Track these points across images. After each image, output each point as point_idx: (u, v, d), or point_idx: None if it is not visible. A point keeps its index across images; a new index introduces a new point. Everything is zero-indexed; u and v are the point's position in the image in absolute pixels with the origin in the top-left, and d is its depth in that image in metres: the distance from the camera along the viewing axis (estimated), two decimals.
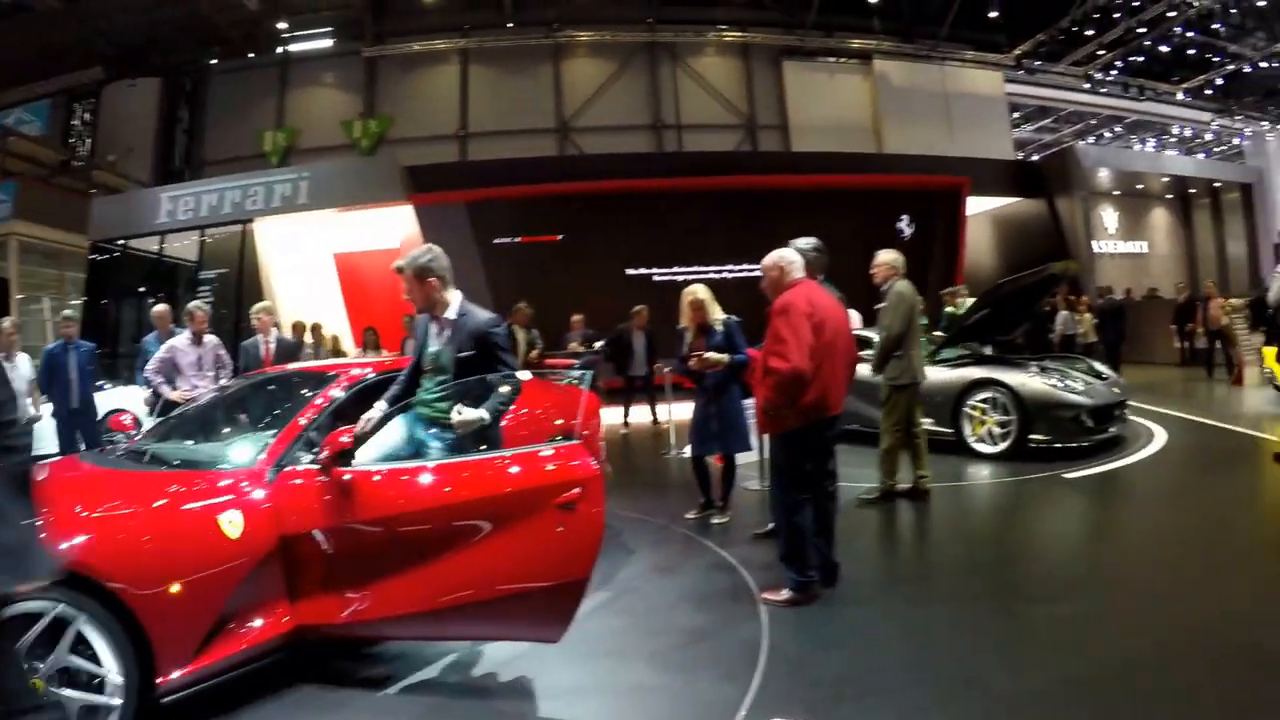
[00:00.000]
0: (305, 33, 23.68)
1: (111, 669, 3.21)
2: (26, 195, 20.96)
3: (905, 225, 22.38)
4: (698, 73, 24.26)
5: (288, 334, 11.44)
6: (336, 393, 4.65)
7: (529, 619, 3.72)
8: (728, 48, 24.69)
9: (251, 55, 23.99)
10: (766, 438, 5.64)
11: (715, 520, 6.99)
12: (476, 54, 23.13)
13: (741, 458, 7.17)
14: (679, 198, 20.18)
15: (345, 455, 3.92)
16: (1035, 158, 31.81)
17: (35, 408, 8.95)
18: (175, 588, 3.41)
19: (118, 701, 3.21)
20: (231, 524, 3.68)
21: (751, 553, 5.92)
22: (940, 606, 4.92)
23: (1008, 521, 7.30)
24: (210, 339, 8.05)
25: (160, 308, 9.33)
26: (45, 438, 9.37)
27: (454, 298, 4.60)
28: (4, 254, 20.81)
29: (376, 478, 3.92)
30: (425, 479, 3.90)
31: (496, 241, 18.93)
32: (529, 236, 19.25)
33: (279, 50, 23.79)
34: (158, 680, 3.36)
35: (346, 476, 3.85)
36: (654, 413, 13.33)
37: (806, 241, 5.84)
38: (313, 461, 3.99)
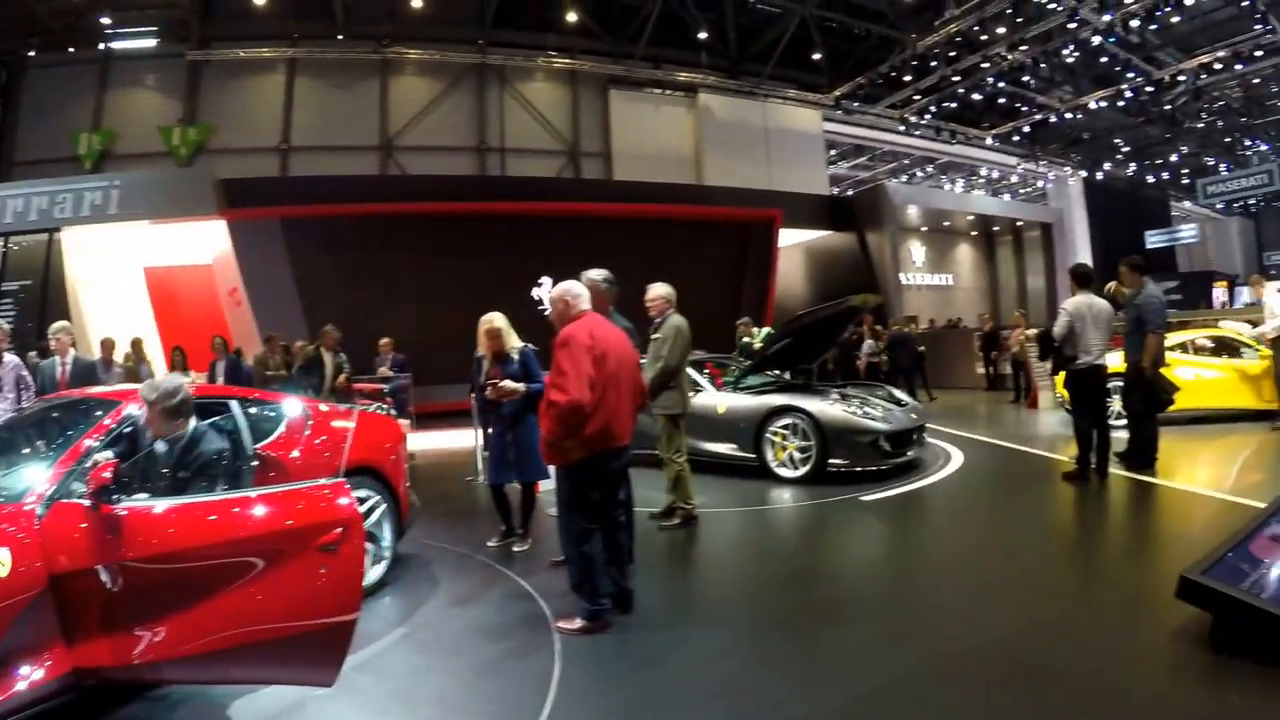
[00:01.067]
0: (129, 30, 22.97)
1: None
2: None
3: (719, 255, 23.72)
4: (525, 97, 24.72)
5: (97, 353, 11.47)
6: (117, 421, 4.52)
7: (299, 662, 3.66)
8: (556, 74, 25.20)
9: (71, 50, 23.33)
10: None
11: (516, 548, 7.03)
12: (304, 65, 22.90)
13: (544, 484, 7.03)
14: (501, 221, 20.76)
15: (109, 490, 3.69)
16: (850, 193, 33.55)
17: None
18: None
19: None
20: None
21: (550, 581, 5.95)
22: (736, 630, 5.04)
23: (806, 544, 7.48)
24: (10, 358, 7.99)
25: None
26: None
27: None
28: None
29: (147, 513, 3.73)
30: (191, 516, 3.76)
31: (311, 261, 19.00)
32: (343, 256, 19.37)
33: (101, 46, 23.17)
34: None
35: (117, 512, 3.66)
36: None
37: (597, 273, 6.13)
38: (80, 496, 3.81)
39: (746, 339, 14.43)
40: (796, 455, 9.53)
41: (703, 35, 25.46)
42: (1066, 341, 8.87)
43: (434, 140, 23.56)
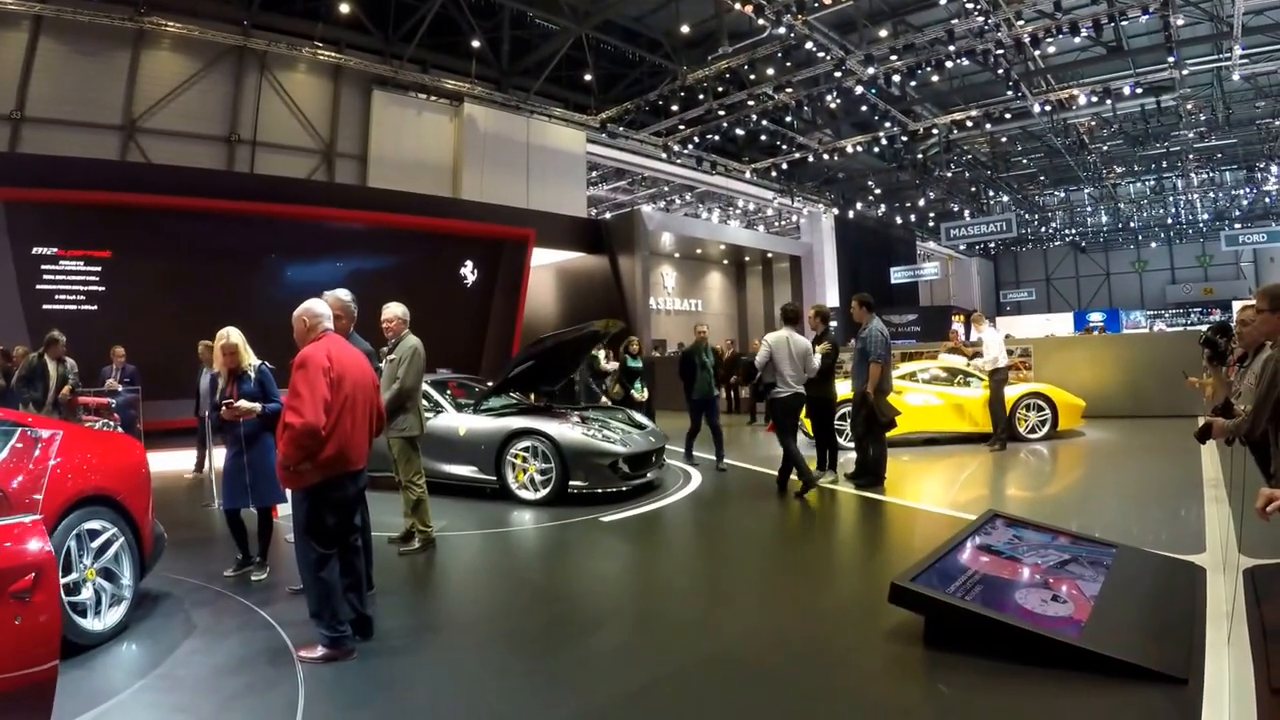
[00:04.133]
0: None
1: None
2: None
3: (469, 271, 24.83)
4: (284, 89, 24.65)
5: None
6: None
7: None
8: (320, 67, 25.20)
9: None
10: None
11: (254, 577, 6.98)
12: (50, 24, 21.48)
13: (283, 509, 7.02)
14: (247, 223, 20.69)
15: None
16: (607, 215, 35.22)
17: None
18: None
19: None
20: None
21: (290, 609, 5.98)
22: (477, 651, 5.29)
23: (546, 565, 7.79)
24: None
25: None
26: None
27: None
28: None
29: None
30: None
31: (36, 252, 18.32)
32: (70, 249, 18.69)
33: None
34: None
35: None
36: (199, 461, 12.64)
37: (343, 293, 6.26)
38: None
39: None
40: (537, 477, 10.01)
41: (476, 44, 26.11)
42: (766, 370, 10.20)
43: (183, 126, 23.06)
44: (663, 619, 5.96)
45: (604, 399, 14.65)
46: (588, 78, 28.55)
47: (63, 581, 4.96)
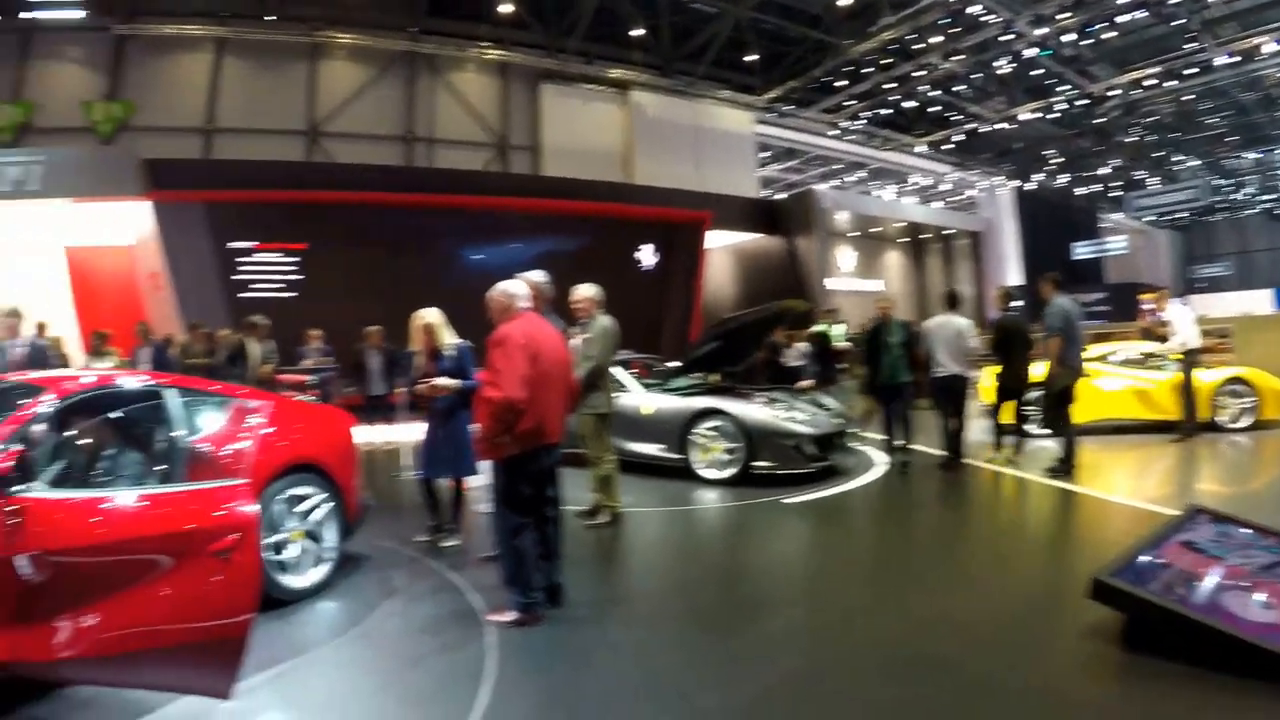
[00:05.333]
0: (54, 0, 23.47)
1: None
2: None
3: (646, 255, 24.65)
4: (455, 88, 25.30)
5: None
6: (39, 409, 4.38)
7: (192, 671, 3.68)
8: (488, 65, 25.83)
9: None
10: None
11: (445, 544, 7.26)
12: (232, 45, 23.16)
13: (473, 480, 7.37)
14: (427, 214, 21.42)
15: (13, 480, 3.71)
16: (780, 196, 34.54)
17: None
18: None
19: None
20: None
21: (480, 576, 6.18)
22: (659, 625, 5.36)
23: (728, 544, 7.72)
24: None
25: None
26: None
27: None
28: None
29: (52, 507, 3.73)
30: (93, 512, 3.78)
31: (234, 246, 19.56)
32: (270, 244, 19.85)
33: (23, 15, 23.39)
34: None
35: (20, 503, 3.65)
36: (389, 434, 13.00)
37: (537, 274, 6.31)
38: None
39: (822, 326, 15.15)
40: (722, 457, 9.88)
41: (637, 32, 26.13)
42: (929, 355, 10.47)
43: (362, 128, 24.00)
44: (843, 603, 5.89)
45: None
46: (750, 58, 28.24)
47: (269, 541, 5.46)
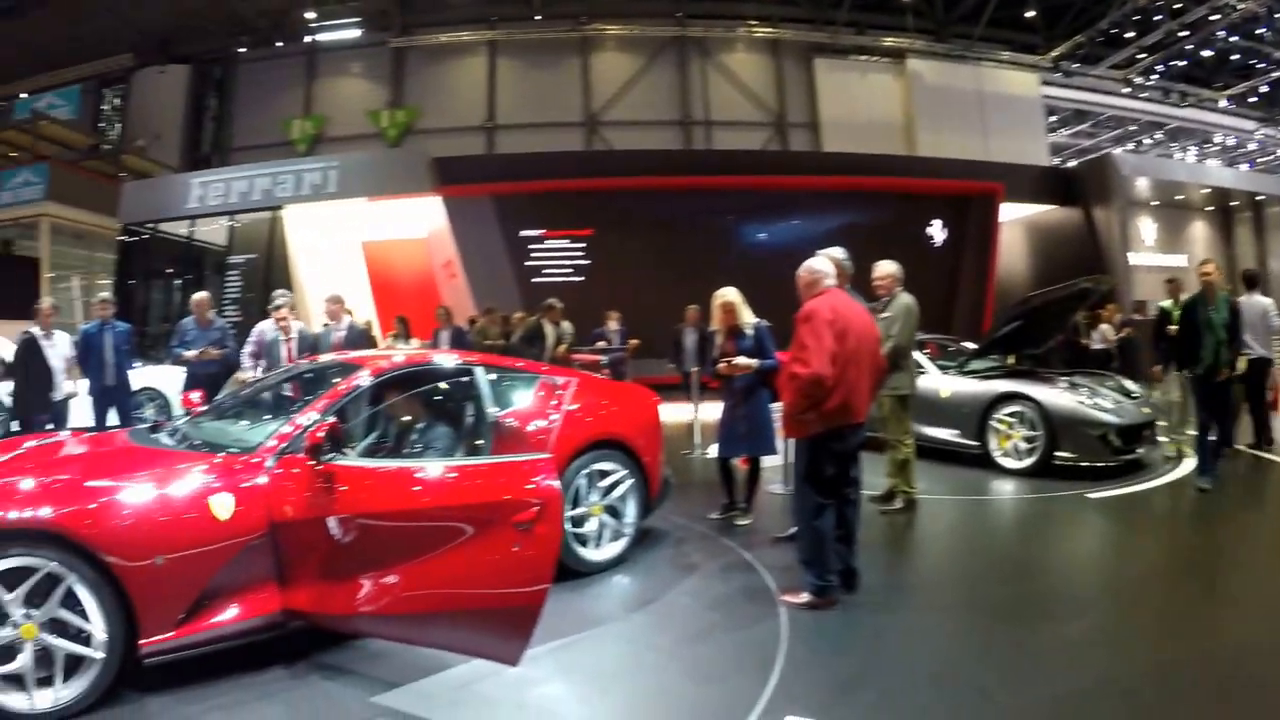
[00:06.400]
0: (332, 22, 24.78)
1: (97, 626, 3.66)
2: (57, 178, 22.60)
3: (935, 230, 23.24)
4: (727, 68, 25.02)
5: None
6: (355, 384, 4.92)
7: (484, 636, 3.84)
8: (757, 44, 25.41)
9: (279, 44, 25.23)
10: (793, 443, 5.80)
11: (738, 522, 7.20)
12: (504, 46, 24.07)
13: (767, 461, 7.44)
14: (707, 195, 21.06)
15: (321, 449, 4.18)
16: (1072, 163, 32.15)
17: (74, 383, 9.53)
18: (161, 561, 3.78)
19: (100, 655, 3.67)
20: (222, 506, 4.00)
21: (772, 555, 6.15)
22: (954, 616, 5.17)
23: (1026, 538, 7.40)
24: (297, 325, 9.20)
25: (200, 295, 10.19)
26: (81, 413, 9.92)
27: None
28: (36, 234, 22.55)
29: (362, 475, 4.17)
30: (400, 480, 4.15)
31: (524, 234, 19.96)
32: (554, 230, 20.17)
33: (306, 39, 24.90)
34: (140, 642, 3.76)
35: (333, 470, 4.13)
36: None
37: (837, 251, 6.06)
38: (304, 452, 4.25)
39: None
40: (1021, 445, 9.32)
41: None
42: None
43: (638, 115, 24.14)
44: (1148, 610, 5.40)
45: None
46: (1029, 14, 26.52)
47: (569, 514, 5.56)
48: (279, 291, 9.53)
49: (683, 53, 24.78)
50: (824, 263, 5.42)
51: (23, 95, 27.90)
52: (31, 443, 5.06)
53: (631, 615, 5.14)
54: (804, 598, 5.09)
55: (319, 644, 4.41)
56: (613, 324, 14.54)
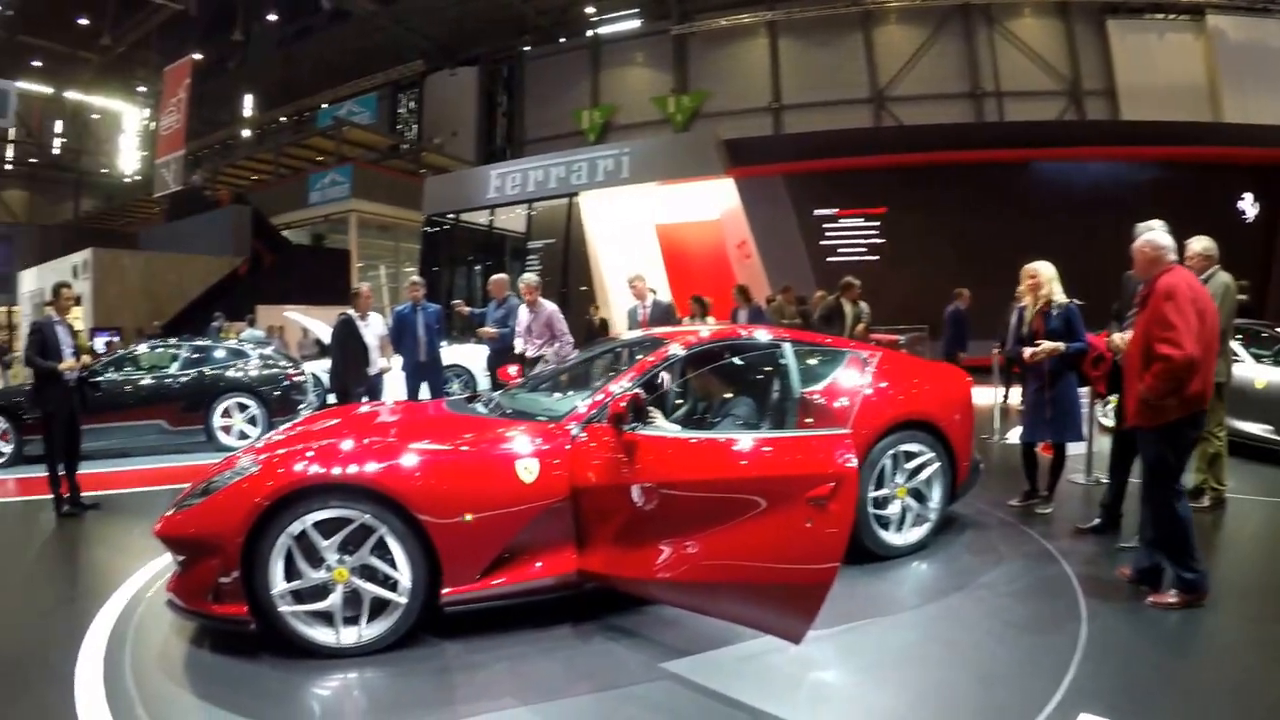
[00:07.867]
0: (612, 15, 25.34)
1: (404, 574, 3.98)
2: (361, 177, 24.51)
3: (1247, 205, 21.60)
4: (1016, 35, 24.09)
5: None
6: (666, 356, 5.02)
7: (770, 611, 3.81)
8: (1046, 7, 24.33)
9: (562, 40, 26.02)
10: (1095, 431, 5.73)
11: (1039, 510, 6.93)
12: (784, 26, 23.98)
13: (1074, 448, 7.08)
14: (1002, 169, 20.16)
15: (622, 419, 4.23)
16: None
17: (387, 360, 9.93)
18: (468, 518, 4.04)
19: (404, 601, 3.98)
20: (527, 470, 4.20)
21: (1074, 546, 5.90)
22: (1264, 627, 4.67)
23: None
24: (546, 305, 9.43)
25: (497, 277, 10.57)
26: (395, 387, 10.41)
27: None
28: (345, 228, 24.46)
29: (662, 444, 4.18)
30: (698, 451, 4.13)
31: (818, 214, 19.71)
32: (847, 209, 19.87)
33: (589, 33, 25.54)
34: (443, 591, 4.06)
35: (635, 440, 4.17)
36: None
37: (1156, 223, 5.80)
38: (606, 422, 4.35)
39: None
40: None
41: None
42: None
43: (926, 89, 23.59)
44: None
45: None
46: None
47: (872, 495, 5.41)
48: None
49: (968, 21, 23.93)
50: (1164, 236, 5.05)
51: (324, 105, 30.32)
52: (358, 409, 5.61)
53: (925, 605, 4.91)
54: (1172, 598, 4.74)
55: (610, 607, 4.51)
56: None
